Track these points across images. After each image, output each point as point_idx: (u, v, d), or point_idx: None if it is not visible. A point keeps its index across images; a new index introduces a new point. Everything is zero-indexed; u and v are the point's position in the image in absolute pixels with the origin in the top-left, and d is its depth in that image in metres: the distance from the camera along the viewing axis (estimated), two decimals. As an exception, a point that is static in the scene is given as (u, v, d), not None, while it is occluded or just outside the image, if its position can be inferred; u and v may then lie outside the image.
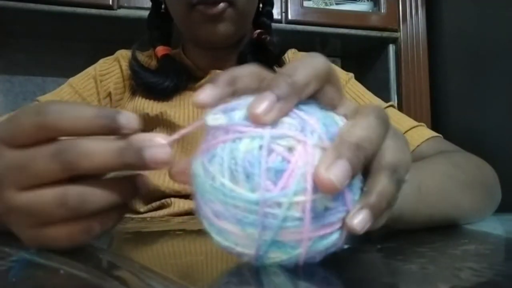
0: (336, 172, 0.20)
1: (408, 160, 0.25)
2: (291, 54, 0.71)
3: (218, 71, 0.64)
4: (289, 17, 1.34)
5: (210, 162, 0.22)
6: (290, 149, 0.21)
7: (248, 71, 0.26)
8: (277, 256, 0.22)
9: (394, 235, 0.33)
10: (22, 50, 1.43)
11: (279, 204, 0.20)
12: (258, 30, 0.68)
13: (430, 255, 0.28)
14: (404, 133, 0.62)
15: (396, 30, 1.44)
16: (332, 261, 0.27)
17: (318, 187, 0.20)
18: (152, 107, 0.63)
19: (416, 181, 0.34)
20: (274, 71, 0.66)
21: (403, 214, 0.31)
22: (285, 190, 0.20)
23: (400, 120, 0.64)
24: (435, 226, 0.37)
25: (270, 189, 0.20)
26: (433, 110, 1.39)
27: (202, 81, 0.65)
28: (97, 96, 0.65)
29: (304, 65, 0.24)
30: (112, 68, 0.67)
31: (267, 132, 0.21)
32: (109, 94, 0.65)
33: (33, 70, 1.44)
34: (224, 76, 0.25)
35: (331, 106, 0.25)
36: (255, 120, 0.21)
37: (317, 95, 0.25)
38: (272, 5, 0.72)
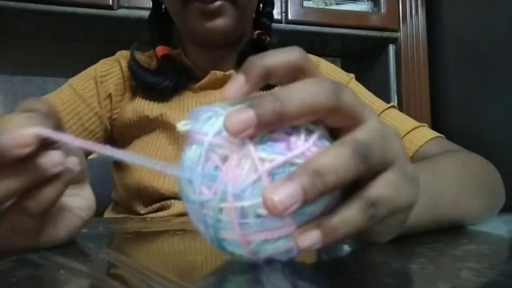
0: (282, 194, 0.20)
1: (403, 201, 0.25)
2: None
3: (218, 72, 0.64)
4: (289, 17, 1.34)
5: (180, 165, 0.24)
6: (225, 158, 0.22)
7: (284, 60, 0.25)
8: (230, 252, 0.23)
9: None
10: (22, 50, 1.43)
11: (212, 208, 0.22)
12: (258, 31, 0.68)
13: (430, 255, 0.28)
14: (406, 134, 0.62)
15: (396, 30, 1.44)
16: (332, 261, 0.27)
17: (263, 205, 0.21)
18: (152, 108, 0.63)
19: (432, 192, 0.33)
20: None
21: (417, 226, 0.31)
22: (215, 195, 0.22)
23: (402, 121, 0.65)
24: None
25: (204, 193, 0.22)
26: (433, 110, 1.39)
27: (202, 81, 0.64)
28: (98, 97, 0.65)
29: (303, 91, 0.22)
30: (112, 69, 0.67)
31: (207, 140, 0.22)
32: (110, 96, 0.65)
33: (33, 70, 1.44)
34: (257, 67, 0.24)
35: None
36: (229, 132, 0.21)
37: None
38: (272, 6, 0.72)
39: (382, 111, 0.65)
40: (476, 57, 1.29)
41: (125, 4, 1.23)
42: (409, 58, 1.43)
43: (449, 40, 1.41)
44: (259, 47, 0.66)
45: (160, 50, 0.66)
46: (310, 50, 0.73)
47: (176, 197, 0.59)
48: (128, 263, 0.25)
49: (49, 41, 1.44)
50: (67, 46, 1.44)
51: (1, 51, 1.42)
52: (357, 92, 0.69)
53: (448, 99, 1.40)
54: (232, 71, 0.64)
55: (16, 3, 1.17)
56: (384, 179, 0.24)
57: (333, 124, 0.24)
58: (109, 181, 0.68)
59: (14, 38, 1.42)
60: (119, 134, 0.66)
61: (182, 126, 0.24)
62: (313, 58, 0.71)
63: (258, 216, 0.21)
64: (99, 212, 0.69)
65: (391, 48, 1.46)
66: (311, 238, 0.22)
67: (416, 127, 0.63)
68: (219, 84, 0.64)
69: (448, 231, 0.37)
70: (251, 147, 0.22)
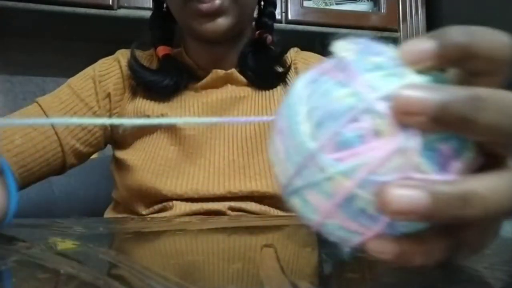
0: (401, 195, 0.17)
1: None
2: (293, 53, 0.70)
3: (219, 70, 0.63)
4: (289, 17, 1.34)
5: (303, 86, 0.20)
6: (377, 133, 0.18)
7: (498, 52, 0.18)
8: (300, 204, 0.20)
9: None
10: (22, 50, 1.43)
11: (321, 169, 0.18)
12: (260, 31, 0.68)
13: (430, 255, 0.27)
14: None
15: (396, 30, 1.44)
16: (332, 261, 0.27)
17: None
18: (153, 108, 0.62)
19: None
20: (276, 71, 0.66)
21: None
22: (336, 161, 0.18)
23: None
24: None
25: (325, 151, 0.18)
26: (433, 110, 1.39)
27: (203, 81, 0.64)
28: (96, 96, 0.64)
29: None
30: (111, 69, 0.66)
31: (371, 97, 0.18)
32: (108, 95, 0.65)
33: (33, 70, 1.44)
34: (459, 45, 0.18)
35: None
36: (404, 59, 0.18)
37: None
38: (275, 6, 0.71)
39: None
40: (476, 57, 1.29)
41: (125, 4, 1.23)
42: (409, 58, 1.43)
43: (449, 40, 1.41)
44: (260, 46, 0.66)
45: (161, 50, 0.66)
46: (310, 50, 0.73)
47: (178, 198, 0.58)
48: (128, 263, 0.25)
49: (49, 41, 1.44)
50: (67, 46, 1.44)
51: (1, 51, 1.42)
52: None
53: (448, 99, 1.40)
54: (233, 70, 0.64)
55: (16, 3, 1.17)
56: None
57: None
58: (109, 181, 0.68)
59: (14, 38, 1.42)
60: (119, 135, 0.66)
61: (341, 48, 0.20)
62: (317, 57, 0.70)
63: (361, 210, 0.18)
64: (99, 212, 0.69)
65: (391, 48, 1.46)
66: (384, 249, 0.19)
67: None
68: (221, 82, 0.64)
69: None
70: (413, 142, 0.17)
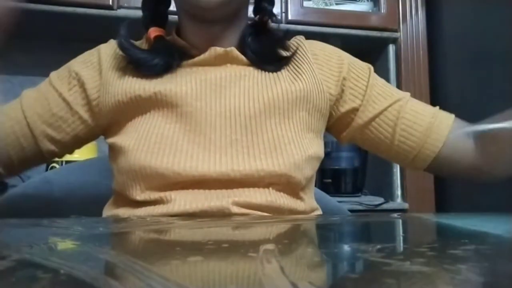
0: None
1: None
2: (306, 42, 0.69)
3: (218, 48, 0.61)
4: (289, 17, 1.35)
5: None
6: None
7: None
8: None
9: (394, 235, 0.33)
10: (22, 50, 1.43)
11: None
12: (259, 15, 0.67)
13: (430, 255, 0.28)
14: (430, 126, 0.64)
15: (396, 30, 1.44)
16: (332, 261, 0.27)
17: None
18: (145, 87, 0.59)
19: None
20: (278, 54, 0.64)
21: None
22: None
23: (423, 111, 0.66)
24: (434, 227, 0.37)
25: None
26: (433, 110, 1.39)
27: (201, 56, 0.61)
28: (68, 85, 0.64)
29: None
30: (89, 58, 0.65)
31: None
32: (82, 84, 0.63)
33: (33, 70, 1.44)
34: None
35: None
36: None
37: None
38: None
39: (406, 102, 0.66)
40: (476, 57, 1.29)
41: (125, 4, 1.23)
42: (409, 58, 1.43)
43: (449, 40, 1.41)
44: (261, 28, 0.65)
45: (153, 31, 0.64)
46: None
47: (178, 183, 0.55)
48: (128, 263, 0.25)
49: (49, 41, 1.44)
50: (67, 46, 1.44)
51: (1, 51, 1.42)
52: (381, 84, 0.67)
53: (448, 99, 1.40)
54: (233, 48, 0.62)
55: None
56: None
57: None
58: (109, 181, 0.68)
59: (14, 38, 1.42)
60: (107, 121, 0.62)
61: None
62: (332, 46, 0.70)
63: None
64: (99, 212, 0.69)
65: (391, 48, 1.46)
66: None
67: (435, 114, 0.65)
68: (220, 60, 0.62)
69: (448, 231, 0.37)
70: None
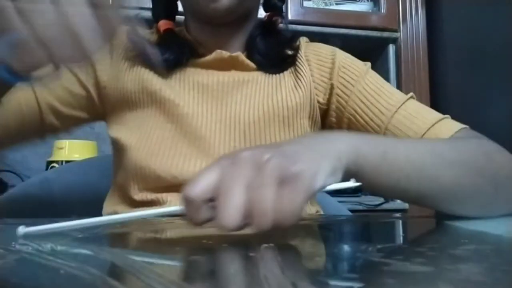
0: None
1: None
2: (304, 43, 0.67)
3: (224, 52, 0.60)
4: (289, 17, 1.34)
5: None
6: None
7: None
8: None
9: (394, 235, 0.33)
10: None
11: None
12: (269, 13, 0.66)
13: (430, 255, 0.28)
14: (430, 127, 0.57)
15: (396, 30, 1.44)
16: (332, 261, 0.27)
17: None
18: (152, 80, 0.59)
19: (382, 148, 0.39)
20: (286, 55, 0.62)
21: (364, 170, 0.37)
22: None
23: (424, 113, 0.59)
24: (434, 227, 0.37)
25: None
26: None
27: (207, 57, 0.61)
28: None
29: None
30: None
31: None
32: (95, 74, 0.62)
33: (33, 70, 1.44)
34: None
35: None
36: None
37: None
38: None
39: (403, 103, 0.60)
40: (476, 57, 1.29)
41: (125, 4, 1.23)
42: (409, 58, 1.43)
43: (449, 40, 1.41)
44: (271, 29, 0.64)
45: (163, 24, 0.63)
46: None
47: (173, 185, 0.54)
48: (128, 263, 0.25)
49: (49, 41, 1.44)
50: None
51: (1, 51, 1.42)
52: (376, 84, 0.64)
53: (448, 98, 1.40)
54: (239, 53, 0.61)
55: (16, 3, 1.17)
56: None
57: None
58: (109, 181, 0.68)
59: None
60: (111, 106, 0.62)
61: None
62: (329, 48, 0.68)
63: None
64: (99, 212, 0.69)
65: (391, 48, 1.46)
66: None
67: (441, 119, 0.58)
68: (225, 65, 0.61)
69: (448, 231, 0.37)
70: None
